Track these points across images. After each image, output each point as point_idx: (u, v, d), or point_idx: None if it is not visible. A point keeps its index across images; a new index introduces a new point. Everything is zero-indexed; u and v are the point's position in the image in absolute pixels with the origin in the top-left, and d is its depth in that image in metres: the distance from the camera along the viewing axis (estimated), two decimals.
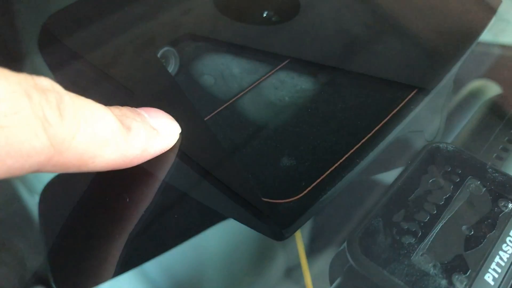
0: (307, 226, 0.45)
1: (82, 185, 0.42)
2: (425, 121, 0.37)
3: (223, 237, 0.47)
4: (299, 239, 0.39)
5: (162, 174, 0.31)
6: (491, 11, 0.40)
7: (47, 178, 0.45)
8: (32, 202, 0.55)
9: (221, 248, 0.48)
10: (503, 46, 0.55)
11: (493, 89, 0.49)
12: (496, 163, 0.35)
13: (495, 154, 0.36)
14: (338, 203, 0.37)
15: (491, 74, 0.50)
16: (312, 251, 0.40)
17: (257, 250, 0.49)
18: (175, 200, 0.40)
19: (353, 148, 0.30)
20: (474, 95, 0.48)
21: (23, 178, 0.55)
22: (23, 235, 0.53)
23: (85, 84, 0.34)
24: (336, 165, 0.29)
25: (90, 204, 0.42)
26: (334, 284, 0.28)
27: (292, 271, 0.49)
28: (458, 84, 0.49)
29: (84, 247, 0.40)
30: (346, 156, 0.29)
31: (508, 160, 0.36)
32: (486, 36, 0.53)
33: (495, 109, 0.41)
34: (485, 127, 0.39)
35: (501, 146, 0.36)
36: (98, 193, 0.42)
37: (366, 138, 0.30)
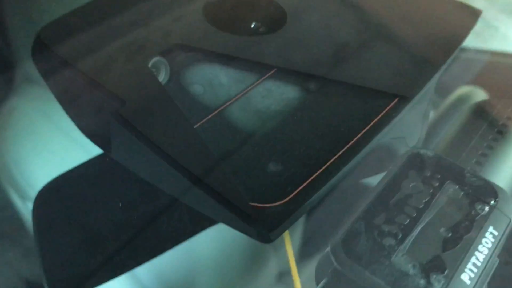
0: (297, 229, 0.46)
1: (75, 191, 0.43)
2: (408, 128, 0.39)
3: (214, 242, 0.48)
4: (288, 242, 0.40)
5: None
6: (472, 21, 0.42)
7: (39, 185, 0.46)
8: (24, 208, 0.56)
9: (212, 252, 0.49)
10: (491, 53, 0.57)
11: (479, 96, 0.50)
12: (476, 168, 0.37)
13: (474, 159, 0.37)
14: (327, 207, 0.39)
15: (479, 80, 0.51)
16: (302, 253, 0.42)
17: (248, 253, 0.50)
18: (166, 205, 0.41)
19: (336, 154, 0.31)
20: (461, 101, 0.50)
21: (15, 185, 0.56)
22: (15, 241, 0.54)
23: (77, 93, 0.35)
24: (320, 170, 0.30)
25: (84, 210, 0.43)
26: (320, 286, 0.29)
27: (282, 274, 0.50)
28: (446, 90, 0.51)
29: (78, 252, 0.41)
30: (330, 162, 0.30)
31: (487, 165, 0.37)
32: (475, 42, 0.55)
33: (476, 115, 0.43)
34: (465, 133, 0.40)
35: (480, 151, 0.38)
36: (91, 199, 0.43)
37: (349, 145, 0.31)
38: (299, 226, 0.46)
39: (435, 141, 0.42)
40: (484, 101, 0.46)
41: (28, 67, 0.55)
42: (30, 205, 0.56)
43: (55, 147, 0.58)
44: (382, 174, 0.34)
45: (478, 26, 0.42)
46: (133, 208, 0.41)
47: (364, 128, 0.32)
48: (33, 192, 0.55)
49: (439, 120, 0.48)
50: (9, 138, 0.58)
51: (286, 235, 0.40)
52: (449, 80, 0.49)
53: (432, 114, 0.48)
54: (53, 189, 0.43)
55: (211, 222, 0.44)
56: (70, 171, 0.43)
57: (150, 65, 0.35)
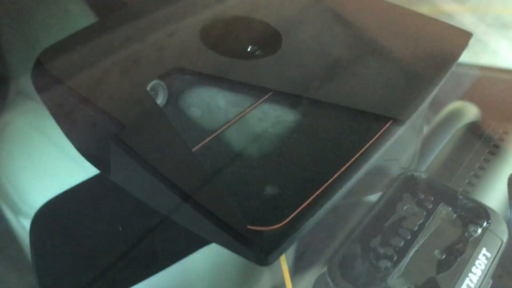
0: (293, 247, 0.47)
1: (73, 211, 0.44)
2: (401, 149, 0.39)
3: (209, 256, 0.48)
4: (284, 261, 0.41)
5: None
6: (463, 43, 0.43)
7: (32, 200, 0.46)
8: (16, 223, 0.56)
9: (207, 267, 0.49)
10: (482, 67, 0.58)
11: (471, 111, 0.51)
12: (468, 189, 0.37)
13: (467, 180, 0.38)
14: (323, 226, 0.39)
15: (470, 95, 0.52)
16: (297, 269, 0.42)
17: (242, 268, 0.50)
18: (163, 225, 0.41)
19: (332, 177, 0.31)
20: (453, 117, 0.50)
21: (7, 199, 0.56)
22: (5, 254, 0.54)
23: (77, 117, 0.35)
24: (317, 193, 0.30)
25: (81, 230, 0.43)
26: None
27: None
28: (438, 105, 0.52)
29: (74, 271, 0.41)
30: (326, 184, 0.31)
31: (479, 186, 0.38)
32: (465, 57, 0.56)
33: (468, 135, 0.43)
34: (458, 154, 0.41)
35: (472, 172, 0.39)
36: (88, 218, 0.43)
37: (344, 167, 0.32)
38: (295, 243, 0.47)
39: (429, 160, 0.42)
40: (474, 121, 0.47)
41: (23, 82, 0.55)
42: (22, 220, 0.56)
43: (49, 162, 0.58)
44: (377, 195, 0.35)
45: None
46: (130, 228, 0.42)
47: (360, 151, 0.33)
48: (26, 206, 0.55)
49: (432, 137, 0.48)
50: (3, 153, 0.58)
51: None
52: (441, 95, 0.50)
53: (425, 130, 0.48)
54: (51, 208, 0.43)
55: (208, 241, 0.44)
56: (68, 191, 0.44)
57: (148, 88, 0.35)
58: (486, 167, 0.39)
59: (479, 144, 0.41)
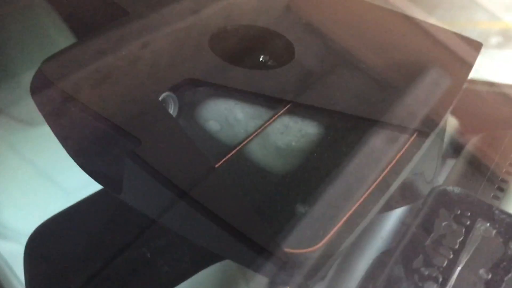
0: None
1: (68, 234, 0.41)
2: (422, 163, 0.38)
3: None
4: None
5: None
6: (475, 52, 0.42)
7: (4, 218, 0.43)
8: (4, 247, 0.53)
9: None
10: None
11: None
12: (494, 203, 0.36)
13: (492, 194, 0.37)
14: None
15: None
16: None
17: None
18: (160, 247, 0.39)
19: (364, 194, 0.30)
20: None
21: None
22: None
23: (84, 132, 0.32)
24: (351, 211, 0.29)
25: (77, 253, 0.40)
26: None
27: None
28: None
29: None
30: (359, 202, 0.29)
31: (505, 199, 0.37)
32: None
33: (482, 149, 0.42)
34: (477, 167, 0.40)
35: (496, 185, 0.37)
36: (83, 241, 0.41)
37: (376, 183, 0.30)
38: None
39: (443, 175, 0.41)
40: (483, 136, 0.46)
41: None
42: (9, 245, 0.52)
43: (21, 179, 0.56)
44: (403, 209, 0.33)
45: None
46: (131, 251, 0.39)
47: (389, 165, 0.31)
48: (11, 232, 0.52)
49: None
50: None
51: None
52: None
53: None
54: (46, 231, 0.40)
55: (210, 261, 0.42)
56: (63, 212, 0.41)
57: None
58: (509, 180, 0.38)
59: (498, 157, 0.40)
